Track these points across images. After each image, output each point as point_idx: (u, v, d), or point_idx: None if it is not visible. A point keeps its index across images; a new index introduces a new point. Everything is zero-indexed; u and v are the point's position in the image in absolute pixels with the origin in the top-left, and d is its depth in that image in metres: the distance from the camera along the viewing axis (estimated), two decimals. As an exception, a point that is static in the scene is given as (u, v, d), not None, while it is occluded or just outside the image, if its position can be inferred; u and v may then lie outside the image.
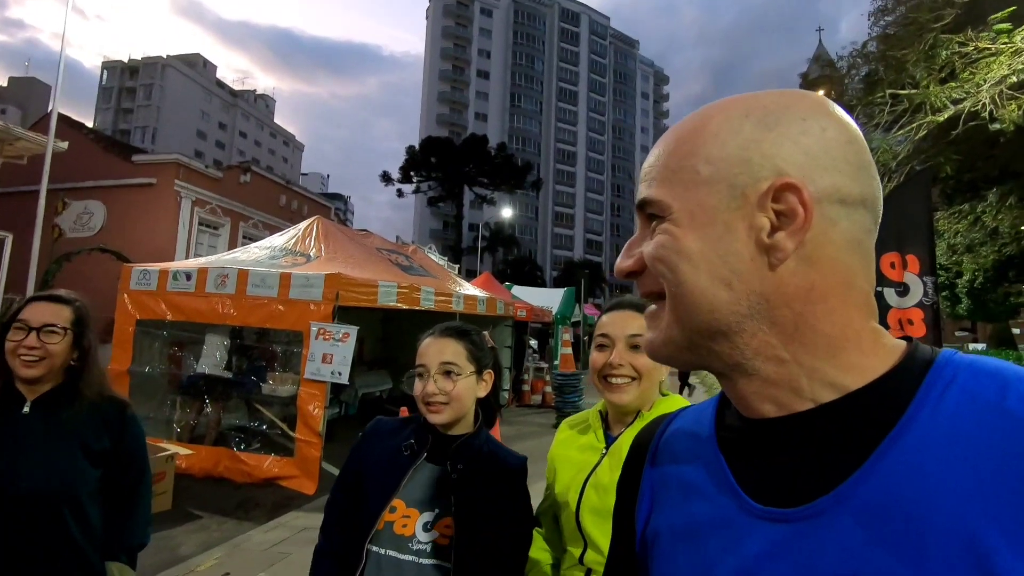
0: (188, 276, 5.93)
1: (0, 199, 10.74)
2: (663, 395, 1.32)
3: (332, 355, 5.26)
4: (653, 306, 0.50)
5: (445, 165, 41.69)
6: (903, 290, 3.00)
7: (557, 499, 1.31)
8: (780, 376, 0.44)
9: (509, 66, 72.70)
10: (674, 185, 0.46)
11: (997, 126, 7.90)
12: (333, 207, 25.62)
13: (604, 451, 1.27)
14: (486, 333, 1.44)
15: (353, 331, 5.31)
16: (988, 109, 7.89)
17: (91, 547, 1.52)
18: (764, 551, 0.42)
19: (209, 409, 6.10)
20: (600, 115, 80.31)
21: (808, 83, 14.98)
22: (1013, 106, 7.63)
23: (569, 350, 11.02)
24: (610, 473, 1.21)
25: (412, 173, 42.27)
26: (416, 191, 44.54)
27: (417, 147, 43.02)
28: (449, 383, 1.25)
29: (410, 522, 1.22)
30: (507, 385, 11.63)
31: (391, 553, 1.20)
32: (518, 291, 15.06)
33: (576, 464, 1.30)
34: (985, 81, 7.97)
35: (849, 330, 0.43)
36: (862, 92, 12.12)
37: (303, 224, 7.53)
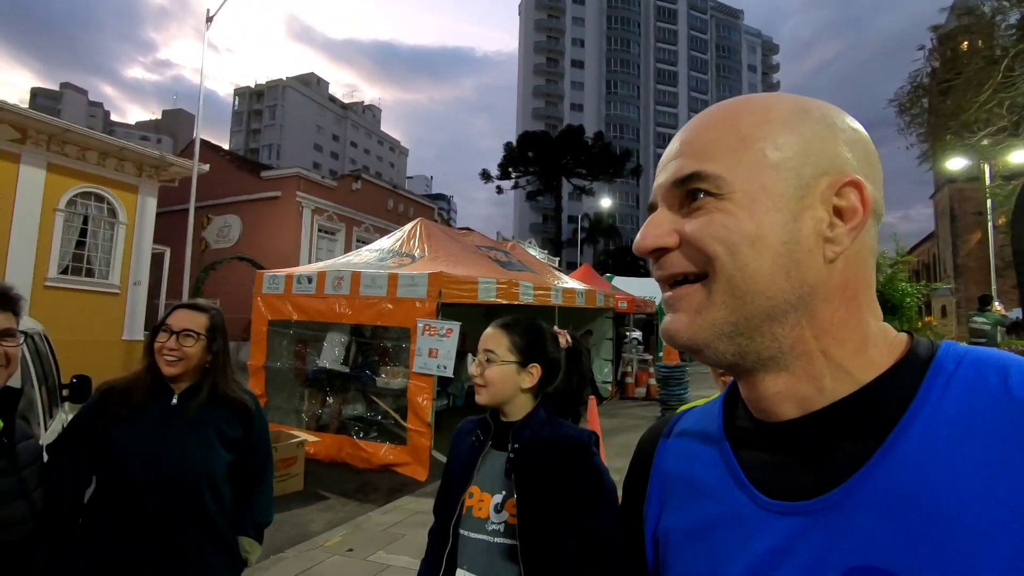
0: (310, 279, 6.50)
1: (158, 218, 12.39)
2: None
3: (437, 350, 5.53)
4: (675, 289, 0.47)
5: (542, 159, 41.81)
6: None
7: None
8: (808, 372, 0.45)
9: (604, 53, 71.25)
10: (736, 164, 0.44)
11: None
12: (436, 207, 26.70)
13: None
14: (564, 331, 1.51)
15: (456, 326, 5.55)
16: None
17: (224, 522, 1.71)
18: (778, 545, 0.42)
19: (331, 400, 6.67)
20: (703, 94, 76.37)
21: (944, 37, 13.22)
22: None
23: (673, 341, 10.68)
24: None
25: (510, 169, 42.84)
26: (515, 187, 45.10)
27: (514, 143, 43.54)
28: (486, 369, 1.39)
29: (484, 505, 1.34)
30: (609, 378, 11.53)
31: (472, 534, 1.34)
32: (619, 282, 14.82)
33: None
34: None
35: (870, 328, 0.46)
36: (1015, 38, 10.54)
37: (408, 226, 7.94)
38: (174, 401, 1.70)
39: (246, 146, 64.29)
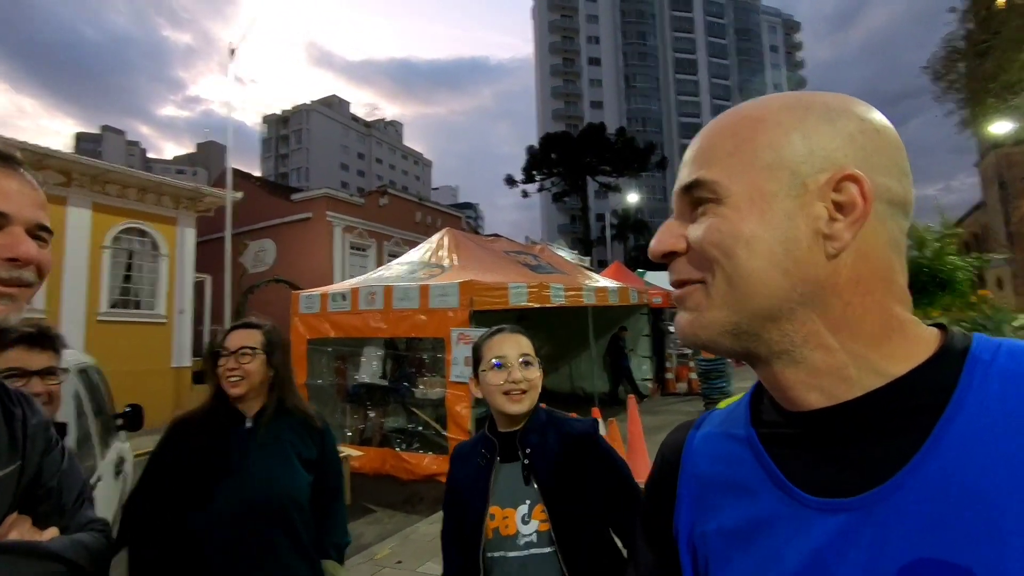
0: (344, 296, 6.63)
1: (197, 248, 12.84)
2: None
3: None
4: (681, 289, 0.49)
5: (565, 159, 41.71)
6: None
7: None
8: (828, 364, 0.44)
9: (620, 47, 70.76)
10: (732, 169, 0.46)
11: None
12: (464, 216, 26.90)
13: None
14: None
15: (489, 333, 5.55)
16: None
17: (312, 545, 1.66)
18: (830, 544, 0.41)
19: (372, 414, 6.76)
20: (724, 79, 75.00)
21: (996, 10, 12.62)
22: None
23: (712, 333, 10.46)
24: None
25: (534, 172, 42.88)
26: (540, 190, 45.11)
27: (536, 146, 43.58)
28: (530, 372, 1.34)
29: (510, 521, 1.29)
30: (649, 375, 11.36)
31: (506, 555, 1.28)
32: (651, 277, 14.59)
33: None
34: None
35: (893, 321, 0.45)
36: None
37: (435, 237, 8.02)
38: (248, 424, 1.67)
39: (276, 171, 66.16)
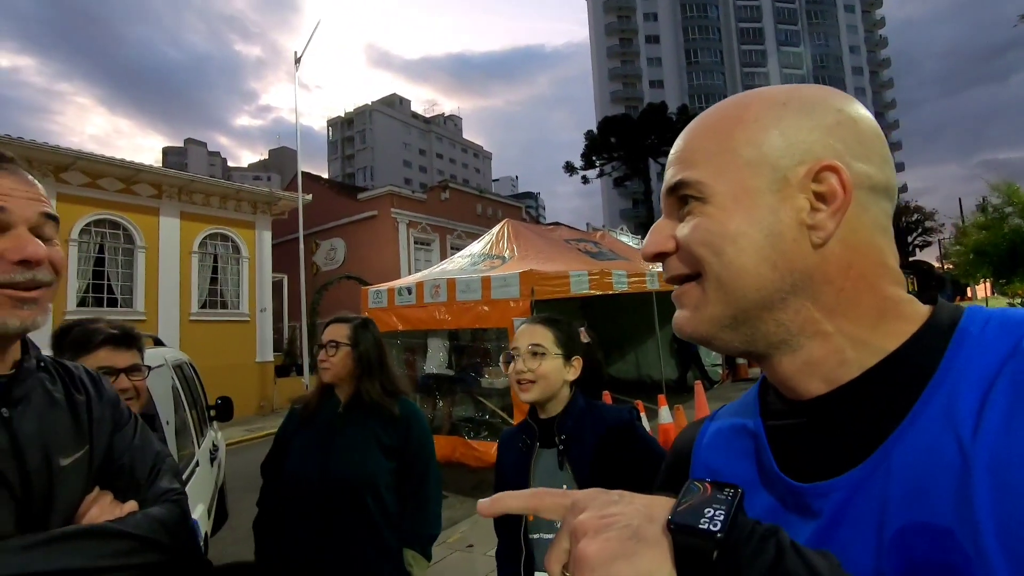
0: (409, 291, 6.84)
1: (274, 249, 13.59)
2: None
3: (535, 347, 5.59)
4: (678, 287, 0.50)
5: (626, 143, 40.78)
6: None
7: None
8: (827, 349, 0.45)
9: (679, 22, 68.13)
10: (715, 168, 0.47)
11: None
12: (524, 206, 26.95)
13: None
14: (582, 329, 1.54)
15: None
16: None
17: (388, 530, 1.72)
18: (822, 527, 0.43)
19: (441, 404, 6.97)
20: (795, 47, 70.59)
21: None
22: None
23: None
24: None
25: (594, 158, 42.18)
26: (600, 175, 44.38)
27: (595, 131, 42.86)
28: (536, 362, 1.36)
29: None
30: (719, 361, 11.01)
31: (544, 535, 1.34)
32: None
33: None
34: None
35: (887, 302, 0.45)
36: None
37: (495, 228, 8.10)
38: (340, 409, 1.83)
39: (343, 172, 68.64)
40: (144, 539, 0.81)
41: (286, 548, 1.72)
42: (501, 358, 1.47)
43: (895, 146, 75.68)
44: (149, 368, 1.61)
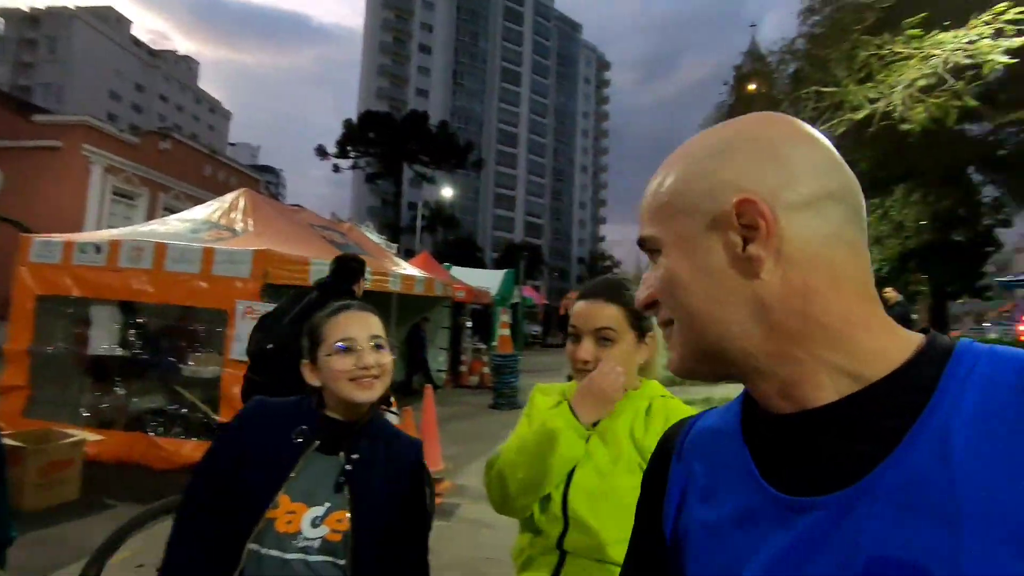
0: (98, 248, 5.50)
1: None
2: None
3: (260, 335, 5.03)
4: (665, 330, 0.54)
5: (384, 141, 40.39)
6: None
7: None
8: (800, 374, 0.46)
9: (452, 42, 71.23)
10: (661, 221, 0.51)
11: (907, 126, 8.49)
12: (263, 180, 24.46)
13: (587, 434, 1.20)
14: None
15: (283, 310, 5.09)
16: (899, 110, 8.46)
17: None
18: (801, 540, 0.43)
19: (120, 391, 5.71)
20: (543, 97, 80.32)
21: (741, 76, 15.59)
22: (920, 108, 8.22)
23: (507, 331, 11.11)
24: (608, 458, 1.17)
25: (349, 148, 40.70)
26: (353, 167, 43.09)
27: (355, 121, 41.52)
28: (383, 356, 1.22)
29: (295, 518, 1.11)
30: (444, 367, 11.59)
31: (273, 552, 1.10)
32: (457, 272, 14.95)
33: None
34: (898, 83, 8.53)
35: (853, 317, 0.45)
36: (790, 87, 12.73)
37: (229, 196, 7.12)
38: None
39: (13, 81, 52.37)
40: None
41: None
42: (322, 350, 1.21)
43: (602, 202, 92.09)
44: None
